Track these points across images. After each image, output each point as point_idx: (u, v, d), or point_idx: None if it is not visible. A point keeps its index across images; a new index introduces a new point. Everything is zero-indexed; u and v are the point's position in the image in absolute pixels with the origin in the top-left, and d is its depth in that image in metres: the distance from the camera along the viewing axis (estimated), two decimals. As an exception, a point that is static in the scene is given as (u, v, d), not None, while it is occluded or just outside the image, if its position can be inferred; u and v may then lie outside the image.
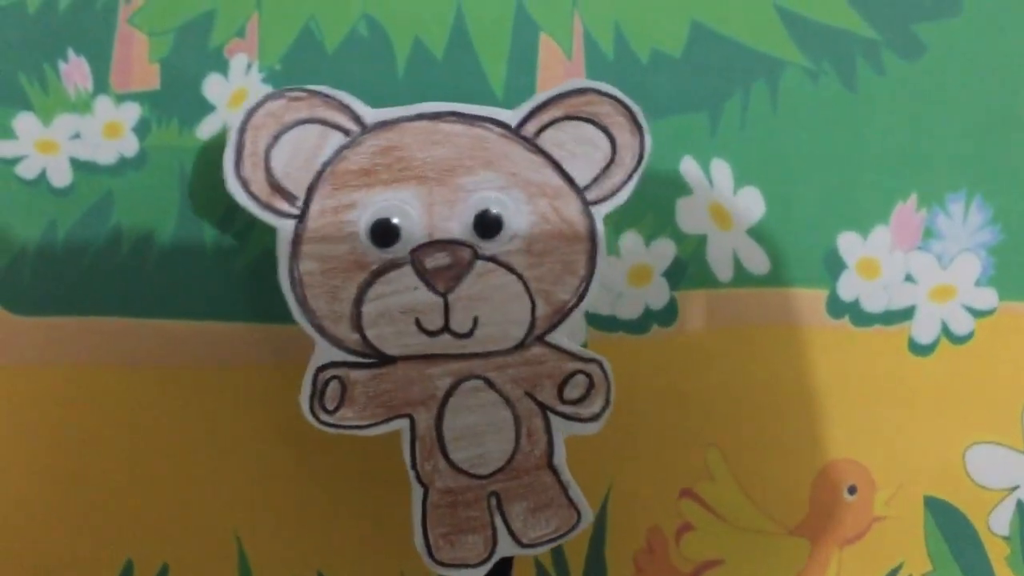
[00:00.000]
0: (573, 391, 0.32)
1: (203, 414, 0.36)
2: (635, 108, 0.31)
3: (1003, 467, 0.38)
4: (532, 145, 0.31)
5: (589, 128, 0.31)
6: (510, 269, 0.31)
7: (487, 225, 0.31)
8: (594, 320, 0.37)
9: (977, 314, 0.38)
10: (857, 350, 0.37)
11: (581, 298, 0.32)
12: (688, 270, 0.37)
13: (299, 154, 0.31)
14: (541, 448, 0.32)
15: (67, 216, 0.35)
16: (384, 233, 0.30)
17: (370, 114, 0.31)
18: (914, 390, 0.38)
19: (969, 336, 0.38)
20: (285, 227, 0.31)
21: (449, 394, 0.32)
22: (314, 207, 0.31)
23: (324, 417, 0.31)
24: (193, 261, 0.36)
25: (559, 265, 0.31)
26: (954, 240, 0.37)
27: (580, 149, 0.31)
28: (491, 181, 0.31)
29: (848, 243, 0.37)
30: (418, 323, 0.31)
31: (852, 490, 0.38)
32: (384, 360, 0.31)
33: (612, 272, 0.37)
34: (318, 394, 0.31)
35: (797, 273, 0.37)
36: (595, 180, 0.32)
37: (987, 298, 0.38)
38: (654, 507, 0.37)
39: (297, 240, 0.31)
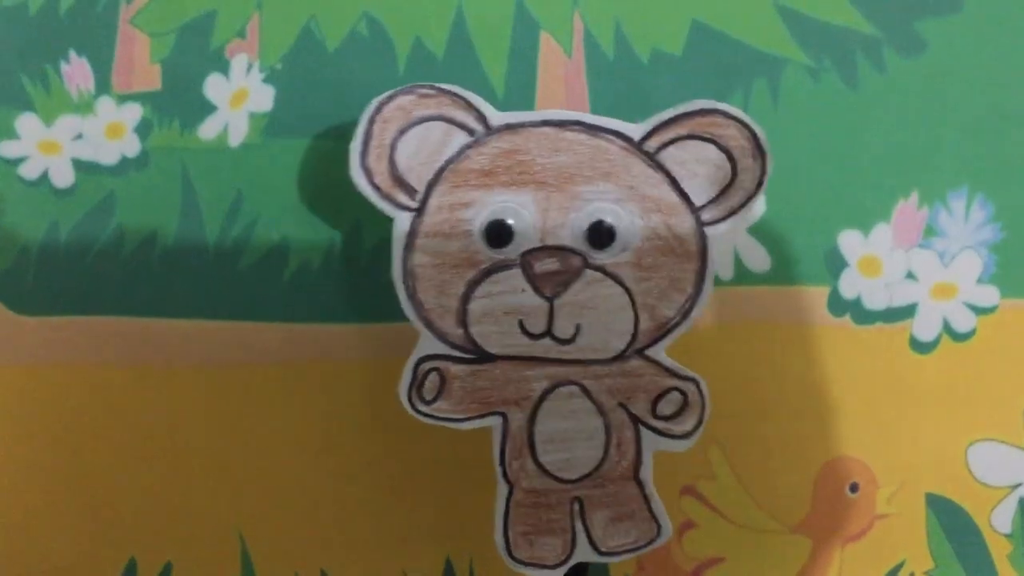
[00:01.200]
0: (667, 407, 0.32)
1: (206, 413, 0.36)
2: (759, 132, 0.31)
3: (1005, 464, 0.38)
4: (652, 160, 0.31)
5: (711, 149, 0.31)
6: (618, 281, 0.31)
7: (600, 235, 0.31)
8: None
9: (979, 312, 0.37)
10: (858, 348, 0.37)
11: (685, 316, 0.32)
12: (689, 268, 0.37)
13: (423, 149, 0.31)
14: (629, 459, 0.33)
15: (69, 216, 0.36)
16: (498, 233, 0.31)
17: (496, 116, 0.31)
18: (916, 388, 0.37)
19: (971, 334, 0.37)
20: (402, 219, 0.31)
21: (544, 397, 0.32)
22: (432, 202, 0.31)
23: (421, 407, 0.32)
24: (195, 261, 0.36)
25: (666, 281, 0.32)
26: (955, 238, 0.37)
27: (700, 169, 0.31)
28: (608, 192, 0.31)
29: (849, 241, 0.37)
30: (521, 325, 0.31)
31: (854, 488, 0.38)
32: (484, 357, 0.32)
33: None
34: (417, 384, 0.32)
35: (798, 271, 0.37)
36: (712, 201, 0.32)
37: (988, 296, 0.37)
38: (656, 505, 0.37)
39: (413, 233, 0.31)
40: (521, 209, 0.31)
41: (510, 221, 0.31)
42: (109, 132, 0.35)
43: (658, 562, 0.37)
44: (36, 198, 0.35)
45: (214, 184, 0.36)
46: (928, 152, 0.37)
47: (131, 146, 0.35)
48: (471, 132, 0.31)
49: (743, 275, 0.37)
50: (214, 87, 0.36)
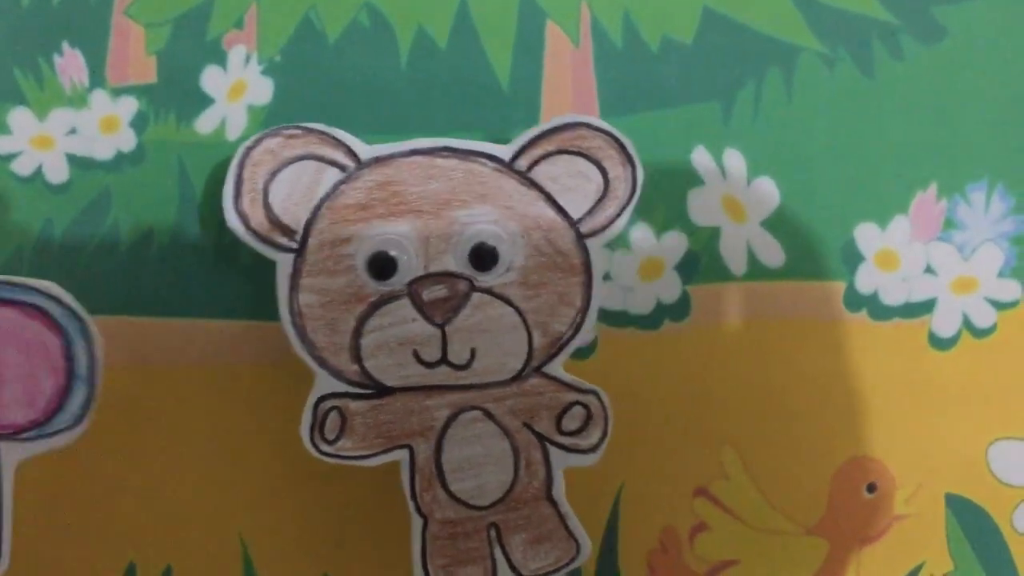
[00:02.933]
0: (571, 423, 0.33)
1: (205, 414, 0.36)
2: (626, 141, 0.32)
3: (1027, 464, 0.37)
4: (525, 179, 0.32)
5: (581, 162, 0.32)
6: (507, 301, 0.32)
7: (482, 257, 0.32)
8: (605, 316, 0.36)
9: (1000, 306, 0.37)
10: (876, 344, 0.37)
11: (577, 329, 0.32)
12: (701, 263, 0.36)
13: (297, 189, 0.32)
14: (540, 479, 0.33)
15: (64, 213, 0.35)
16: (381, 266, 0.31)
17: (365, 150, 0.32)
18: (935, 385, 0.37)
19: (992, 329, 0.37)
20: (284, 261, 0.32)
21: (447, 425, 0.32)
22: (312, 241, 0.32)
23: (324, 448, 0.32)
24: (193, 257, 0.35)
25: (555, 297, 0.32)
26: (976, 230, 0.37)
27: (573, 182, 0.32)
28: (486, 215, 0.32)
29: (866, 234, 0.37)
30: (416, 355, 0.32)
31: (871, 488, 0.37)
32: (383, 391, 0.32)
33: (623, 266, 0.36)
34: (318, 425, 0.32)
35: (813, 266, 0.37)
36: (589, 212, 0.32)
37: (1010, 290, 0.37)
38: (667, 507, 0.37)
39: (296, 273, 0.32)
40: (402, 240, 0.32)
41: (392, 252, 0.31)
42: (104, 126, 0.35)
43: (670, 565, 0.37)
44: (30, 194, 0.35)
45: (212, 178, 0.35)
46: (947, 142, 0.37)
47: (127, 140, 0.35)
48: (343, 168, 0.32)
49: (756, 270, 0.36)
50: (211, 79, 0.35)
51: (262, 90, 0.35)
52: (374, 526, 0.36)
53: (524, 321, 0.32)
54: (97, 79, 0.35)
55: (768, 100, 0.36)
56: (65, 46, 0.35)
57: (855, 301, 0.37)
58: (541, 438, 0.33)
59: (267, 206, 0.31)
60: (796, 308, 0.36)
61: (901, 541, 0.37)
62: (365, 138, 0.35)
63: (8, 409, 0.31)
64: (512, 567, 0.33)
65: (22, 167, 0.35)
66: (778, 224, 0.36)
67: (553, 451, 0.33)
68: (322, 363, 0.32)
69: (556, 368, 0.33)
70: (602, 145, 0.32)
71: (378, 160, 0.32)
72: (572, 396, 0.33)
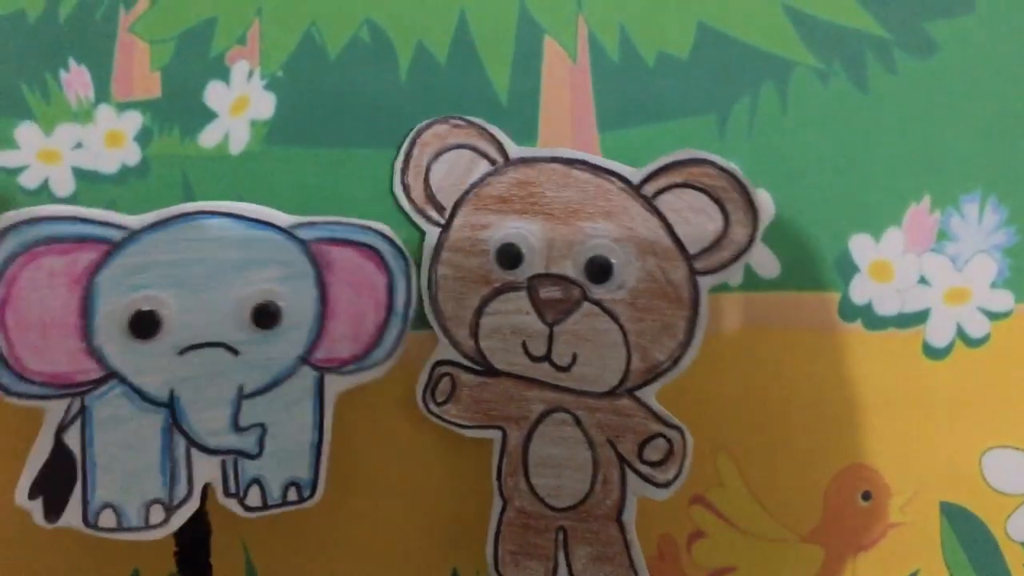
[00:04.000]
0: (653, 453, 0.33)
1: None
2: (751, 188, 0.32)
3: (1021, 472, 0.37)
4: (650, 205, 0.33)
5: (705, 200, 0.33)
6: (613, 317, 0.33)
7: (598, 270, 0.33)
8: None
9: (993, 316, 0.37)
10: (870, 354, 0.37)
11: (676, 363, 0.33)
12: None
13: (453, 172, 0.34)
14: (613, 500, 0.34)
15: (70, 226, 0.35)
16: (508, 256, 0.33)
17: (514, 150, 0.34)
18: (929, 394, 0.37)
19: (985, 339, 0.37)
20: (432, 233, 0.34)
21: (540, 420, 0.34)
22: (457, 220, 0.34)
23: (432, 407, 0.34)
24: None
25: (659, 325, 0.33)
26: (969, 242, 0.37)
27: (694, 218, 0.33)
28: (608, 231, 0.33)
29: (860, 246, 0.37)
30: (524, 346, 0.33)
31: (866, 496, 0.37)
32: (491, 371, 0.34)
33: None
34: (432, 385, 0.34)
35: (808, 277, 0.37)
36: (705, 250, 0.33)
37: (1003, 300, 0.37)
38: (665, 514, 0.37)
39: (439, 246, 0.34)
40: (530, 236, 0.33)
41: (519, 246, 0.33)
42: (109, 140, 0.35)
43: (668, 572, 0.37)
44: (36, 208, 0.35)
45: (215, 192, 0.35)
46: (940, 155, 0.37)
47: (131, 154, 0.35)
48: (492, 162, 0.34)
49: (752, 281, 0.37)
50: (214, 94, 0.35)
51: (265, 105, 0.36)
52: (377, 534, 0.37)
53: (627, 341, 0.33)
54: (103, 94, 0.35)
55: (763, 114, 0.36)
56: (71, 62, 0.35)
57: (850, 311, 0.37)
58: (622, 460, 0.33)
59: (427, 182, 0.34)
60: (791, 318, 0.37)
61: (896, 548, 0.37)
62: (365, 151, 0.36)
63: (337, 343, 0.33)
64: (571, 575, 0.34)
65: (29, 180, 0.35)
66: (774, 235, 0.36)
67: (630, 476, 0.33)
68: (445, 331, 0.34)
69: (648, 395, 0.33)
70: (726, 186, 0.32)
71: (523, 160, 0.34)
72: (658, 427, 0.33)
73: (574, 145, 0.36)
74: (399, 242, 0.33)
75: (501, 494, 0.34)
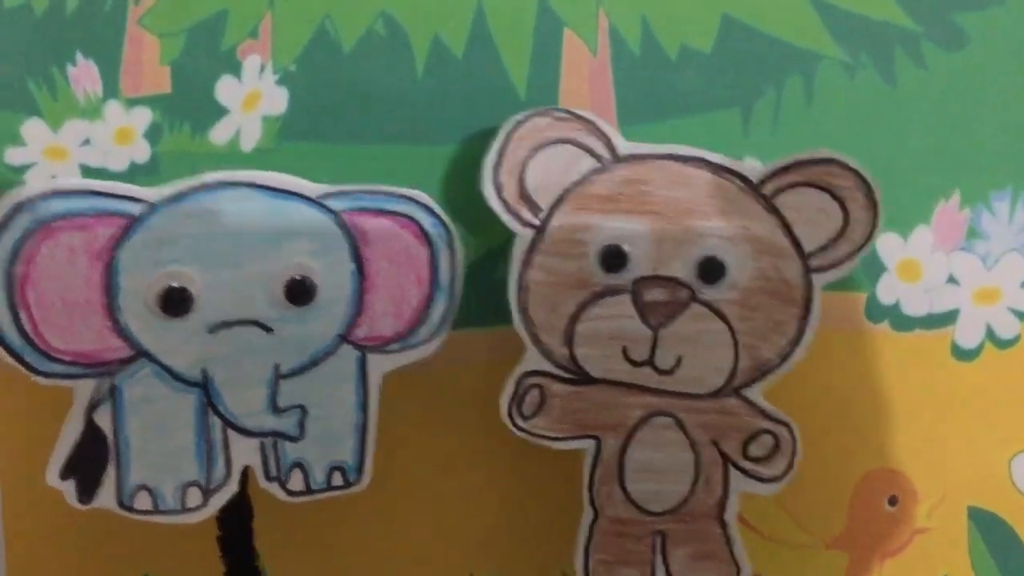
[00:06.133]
0: (758, 449, 0.33)
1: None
2: (874, 185, 0.32)
3: (1051, 476, 0.37)
4: (768, 204, 0.32)
5: (827, 198, 0.32)
6: (723, 318, 0.32)
7: (710, 271, 0.32)
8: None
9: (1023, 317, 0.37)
10: (897, 355, 0.37)
11: (784, 359, 0.32)
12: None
13: (552, 170, 0.32)
14: (715, 498, 0.33)
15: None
16: (613, 258, 0.32)
17: (624, 146, 0.32)
18: (957, 397, 0.37)
19: (1015, 340, 0.37)
20: (524, 235, 0.32)
21: (638, 425, 0.33)
22: (554, 222, 0.32)
23: (519, 422, 0.32)
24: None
25: (769, 323, 0.32)
26: (999, 240, 0.36)
27: (814, 217, 0.32)
28: (722, 230, 0.32)
29: (888, 244, 0.36)
30: (624, 351, 0.32)
31: (893, 501, 0.37)
32: (584, 379, 0.32)
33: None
34: (518, 398, 0.32)
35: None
36: (821, 248, 0.32)
37: (1034, 300, 0.37)
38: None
39: (532, 249, 0.32)
40: (637, 237, 0.32)
41: (626, 247, 0.32)
42: (118, 137, 0.35)
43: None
44: (43, 206, 0.34)
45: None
46: (970, 151, 0.36)
47: (141, 151, 0.35)
48: (598, 158, 0.32)
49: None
50: (226, 90, 0.35)
51: (277, 100, 0.35)
52: (391, 540, 0.36)
53: (735, 341, 0.32)
54: (111, 90, 0.34)
55: (788, 108, 0.36)
56: (79, 56, 0.34)
57: (877, 312, 0.36)
58: (725, 458, 0.33)
59: (522, 180, 0.32)
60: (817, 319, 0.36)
61: (923, 554, 0.37)
62: (380, 148, 0.35)
63: (378, 320, 0.31)
64: None
65: (36, 178, 0.34)
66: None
67: (733, 473, 0.33)
68: (535, 340, 0.32)
69: (754, 393, 0.33)
70: (850, 186, 0.32)
71: (634, 157, 0.32)
72: (764, 423, 0.33)
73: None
74: (439, 211, 0.31)
75: (592, 504, 0.33)
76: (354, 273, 0.31)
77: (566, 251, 0.32)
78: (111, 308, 0.29)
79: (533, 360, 0.32)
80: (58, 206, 0.29)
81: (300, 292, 0.30)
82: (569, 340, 0.32)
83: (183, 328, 0.30)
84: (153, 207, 0.29)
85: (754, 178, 0.32)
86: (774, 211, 0.32)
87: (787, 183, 0.32)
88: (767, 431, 0.33)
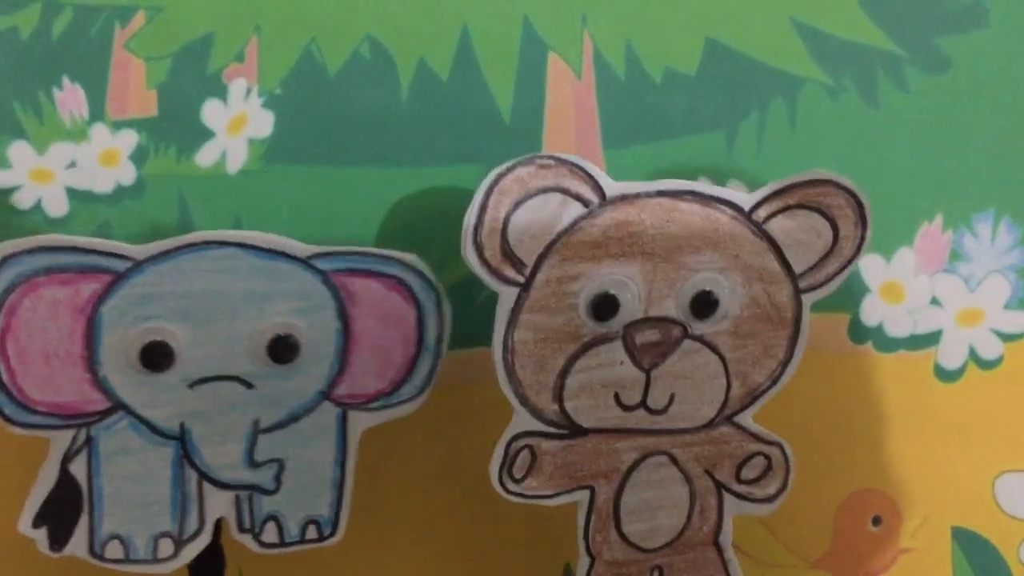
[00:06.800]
0: (750, 472, 0.33)
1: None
2: (866, 202, 0.31)
3: (1034, 497, 0.37)
4: (759, 230, 0.31)
5: (818, 218, 0.31)
6: (714, 350, 0.31)
7: (704, 305, 0.31)
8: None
9: (1006, 338, 0.37)
10: (881, 376, 0.37)
11: (775, 381, 0.32)
12: (704, 296, 0.36)
13: (537, 222, 0.30)
14: (710, 525, 0.33)
15: (64, 246, 0.35)
16: (603, 306, 0.31)
17: (612, 187, 0.31)
18: (941, 417, 0.37)
19: (998, 361, 0.37)
20: (508, 295, 0.30)
21: (632, 468, 0.32)
22: (540, 276, 0.30)
23: (511, 486, 0.31)
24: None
25: (760, 348, 0.32)
26: (982, 262, 0.37)
27: (804, 237, 0.32)
28: (714, 262, 0.31)
29: (871, 266, 0.36)
30: (616, 397, 0.31)
31: (877, 521, 0.37)
32: (576, 432, 0.32)
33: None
34: (509, 462, 0.31)
35: (818, 297, 0.36)
36: (811, 268, 0.32)
37: (1017, 321, 0.37)
38: (671, 540, 0.36)
39: (517, 307, 0.30)
40: (628, 281, 0.31)
41: (616, 294, 0.31)
42: (104, 159, 0.35)
43: (674, 600, 0.37)
44: (29, 228, 0.35)
45: (212, 212, 0.35)
46: (952, 173, 0.36)
47: (127, 174, 0.35)
48: (586, 203, 0.30)
49: (760, 302, 0.36)
50: (211, 113, 0.35)
51: (263, 123, 0.35)
52: (380, 565, 0.36)
53: (726, 370, 0.32)
54: (97, 112, 0.34)
55: (772, 131, 0.36)
56: (65, 80, 0.34)
57: (860, 333, 0.36)
58: (719, 485, 0.33)
59: (504, 238, 0.30)
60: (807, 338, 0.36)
61: (907, 574, 0.37)
62: (365, 170, 0.35)
63: (361, 379, 0.31)
64: None
65: (22, 200, 0.34)
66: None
67: (728, 498, 0.33)
68: (523, 400, 0.31)
69: (746, 418, 0.32)
70: (842, 204, 0.31)
71: (624, 198, 0.31)
72: (756, 446, 0.32)
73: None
74: (429, 274, 0.31)
75: (589, 552, 0.32)
76: (339, 332, 0.31)
77: (554, 305, 0.30)
78: (91, 361, 0.29)
79: (522, 422, 0.31)
80: (43, 261, 0.29)
81: (283, 349, 0.30)
82: (559, 395, 0.31)
83: (163, 382, 0.30)
84: (138, 264, 0.29)
85: (745, 206, 0.31)
86: (765, 236, 0.31)
87: (780, 207, 0.31)
88: (759, 453, 0.32)
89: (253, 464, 0.31)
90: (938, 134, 0.36)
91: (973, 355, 0.37)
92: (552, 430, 0.31)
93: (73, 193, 0.35)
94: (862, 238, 0.32)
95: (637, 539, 0.32)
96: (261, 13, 0.35)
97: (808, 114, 0.36)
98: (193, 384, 0.30)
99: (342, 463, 0.31)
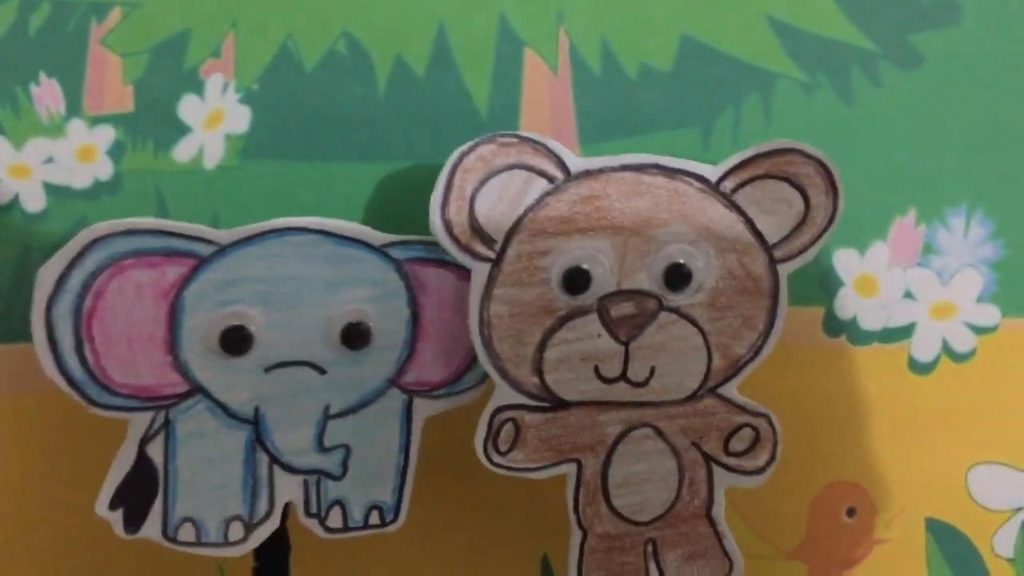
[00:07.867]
0: (739, 444, 0.33)
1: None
2: (834, 170, 0.31)
3: (1007, 488, 0.37)
4: (728, 201, 0.32)
5: (786, 187, 0.32)
6: (692, 322, 0.32)
7: (676, 278, 0.31)
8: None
9: (979, 331, 0.37)
10: (855, 369, 0.37)
11: (757, 353, 0.32)
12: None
13: (504, 199, 0.31)
14: (701, 498, 0.33)
15: (41, 242, 0.35)
16: (575, 280, 0.31)
17: (576, 163, 0.31)
18: (914, 409, 0.37)
19: (971, 354, 0.37)
20: (480, 270, 0.31)
21: (618, 441, 0.32)
22: (510, 252, 0.31)
23: (496, 459, 0.32)
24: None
25: (739, 320, 0.32)
26: (955, 256, 0.37)
27: (775, 207, 0.32)
28: (684, 234, 0.31)
29: (845, 260, 0.37)
30: (596, 370, 0.32)
31: (851, 512, 0.37)
32: (558, 405, 0.32)
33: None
34: (493, 435, 0.32)
35: (793, 291, 0.36)
36: (785, 238, 0.32)
37: (989, 315, 0.37)
38: (648, 531, 0.37)
39: (490, 283, 0.31)
40: (599, 254, 0.31)
41: (587, 267, 0.31)
42: (81, 155, 0.35)
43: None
44: (7, 223, 0.35)
45: (189, 207, 0.35)
46: (926, 168, 0.37)
47: (104, 169, 0.35)
48: (551, 180, 0.31)
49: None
50: (188, 108, 0.35)
51: (240, 119, 0.35)
52: (364, 561, 0.36)
53: (707, 342, 0.32)
54: (74, 108, 0.35)
55: (747, 127, 0.36)
56: (42, 75, 0.34)
57: (834, 326, 0.37)
58: (707, 458, 0.33)
59: (472, 214, 0.31)
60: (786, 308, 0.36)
61: (881, 565, 0.37)
62: (342, 165, 0.35)
63: (428, 367, 0.32)
64: None
65: (-2, 196, 0.35)
66: (757, 250, 0.36)
67: (717, 471, 0.33)
68: (504, 374, 0.31)
69: (730, 390, 0.32)
70: (811, 172, 0.31)
71: (588, 173, 0.31)
72: (743, 418, 0.32)
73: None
74: None
75: (580, 525, 0.32)
76: (409, 320, 0.32)
77: (526, 280, 0.31)
78: (173, 345, 0.30)
79: (504, 395, 0.32)
80: (130, 244, 0.29)
81: (356, 336, 0.31)
82: (538, 369, 0.31)
83: (241, 366, 0.30)
84: (221, 249, 0.30)
85: (712, 177, 0.32)
86: (734, 207, 0.32)
87: (747, 177, 0.31)
88: (747, 425, 0.33)
89: (322, 449, 0.31)
90: (912, 130, 0.36)
91: (946, 348, 0.37)
92: (535, 403, 0.32)
93: (50, 188, 0.35)
94: (834, 207, 0.32)
95: (628, 512, 0.32)
96: (238, 9, 0.35)
97: (783, 110, 0.36)
98: (269, 369, 0.31)
99: (406, 450, 0.32)
